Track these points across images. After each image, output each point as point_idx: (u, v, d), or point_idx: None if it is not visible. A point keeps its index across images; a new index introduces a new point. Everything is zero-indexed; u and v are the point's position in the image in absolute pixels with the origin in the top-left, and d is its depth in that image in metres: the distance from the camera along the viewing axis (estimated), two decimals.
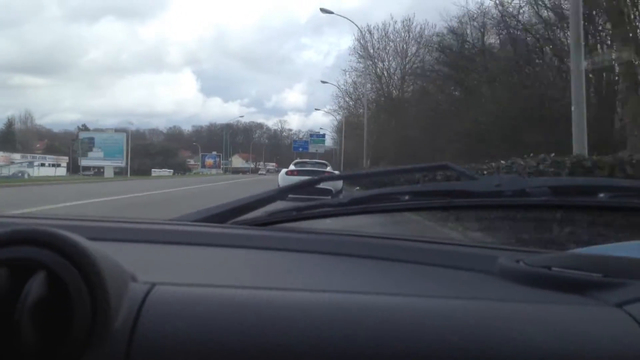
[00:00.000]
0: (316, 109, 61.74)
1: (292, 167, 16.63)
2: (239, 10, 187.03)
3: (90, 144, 61.79)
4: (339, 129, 63.23)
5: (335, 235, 0.90)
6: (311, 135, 73.57)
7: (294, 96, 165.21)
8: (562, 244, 3.37)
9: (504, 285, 0.65)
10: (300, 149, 74.10)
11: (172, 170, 71.46)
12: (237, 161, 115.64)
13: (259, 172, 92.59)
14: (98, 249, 0.46)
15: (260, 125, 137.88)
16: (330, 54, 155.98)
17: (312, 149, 72.65)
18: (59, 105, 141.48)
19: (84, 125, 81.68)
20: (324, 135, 74.10)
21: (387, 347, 0.47)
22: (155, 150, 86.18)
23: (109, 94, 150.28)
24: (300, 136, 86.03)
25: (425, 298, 0.55)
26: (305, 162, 18.55)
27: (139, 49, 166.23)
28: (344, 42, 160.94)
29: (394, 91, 38.04)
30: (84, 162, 61.59)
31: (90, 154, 61.14)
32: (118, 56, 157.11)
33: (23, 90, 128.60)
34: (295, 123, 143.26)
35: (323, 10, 31.39)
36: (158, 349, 0.46)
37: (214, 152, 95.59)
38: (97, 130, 72.62)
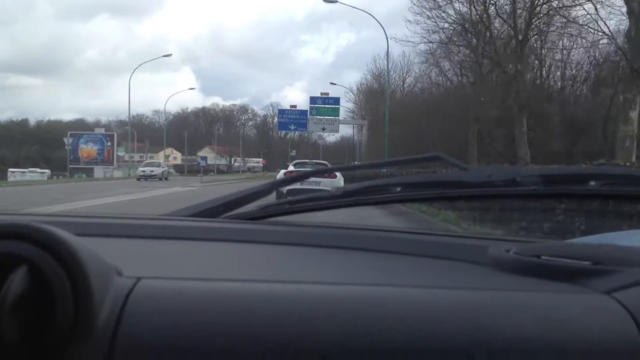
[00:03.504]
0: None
1: (291, 167, 16.16)
2: (236, 6, 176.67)
3: None
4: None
5: (327, 228, 0.90)
6: (312, 100, 37.05)
7: (295, 93, 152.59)
8: (553, 233, 4.42)
9: (494, 274, 0.65)
10: (293, 127, 37.04)
11: (45, 172, 36.89)
12: (207, 156, 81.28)
13: (143, 171, 38.23)
14: (81, 242, 0.46)
15: (244, 109, 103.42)
16: (329, 50, 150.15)
17: (313, 126, 35.41)
18: (56, 106, 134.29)
19: None
20: (337, 101, 37.21)
21: (380, 337, 0.47)
22: (26, 140, 50.52)
23: (107, 93, 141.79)
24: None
25: (416, 288, 0.55)
26: (305, 163, 17.91)
27: (136, 47, 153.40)
28: (343, 37, 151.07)
29: None
30: None
31: None
32: (114, 55, 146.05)
33: (19, 91, 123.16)
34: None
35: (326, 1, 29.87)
36: (143, 343, 0.45)
37: (99, 131, 54.67)
38: None
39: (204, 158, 52.90)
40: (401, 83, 42.24)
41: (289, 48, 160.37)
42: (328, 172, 9.18)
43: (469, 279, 0.66)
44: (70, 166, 49.14)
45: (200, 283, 0.52)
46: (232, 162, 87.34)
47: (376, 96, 43.02)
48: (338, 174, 12.46)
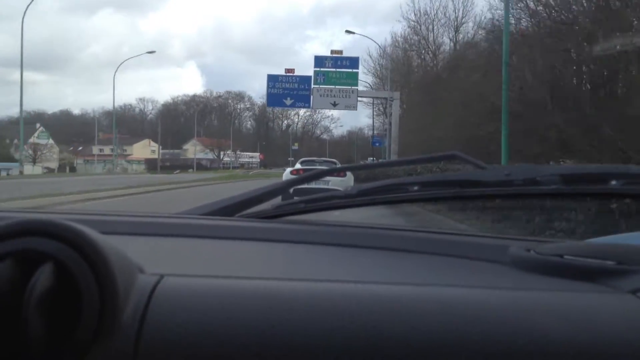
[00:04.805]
0: None
1: (298, 166, 15.00)
2: (240, 1, 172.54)
3: None
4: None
5: (344, 226, 0.89)
6: (318, 62, 23.44)
7: None
8: (573, 232, 4.32)
9: (516, 274, 0.65)
10: (289, 101, 23.08)
11: None
12: (194, 149, 69.66)
13: None
14: (105, 239, 0.46)
15: (240, 97, 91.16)
16: (333, 45, 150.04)
17: (319, 101, 19.98)
18: (61, 102, 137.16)
19: None
20: (355, 63, 23.47)
21: (400, 336, 0.46)
22: None
23: (110, 88, 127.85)
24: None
25: (437, 287, 0.55)
26: (313, 161, 16.27)
27: (140, 42, 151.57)
28: (347, 34, 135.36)
29: None
30: None
31: None
32: (119, 50, 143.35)
33: (25, 87, 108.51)
34: (303, 116, 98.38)
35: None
36: (167, 340, 0.45)
37: None
38: None
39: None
40: (453, 32, 30.01)
41: (294, 43, 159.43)
42: (340, 171, 8.26)
43: (491, 278, 0.65)
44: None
45: (222, 281, 0.52)
46: (222, 156, 75.22)
47: (411, 59, 30.67)
48: (348, 172, 11.37)
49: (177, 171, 43.72)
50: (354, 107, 26.58)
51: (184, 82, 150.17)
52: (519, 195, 0.96)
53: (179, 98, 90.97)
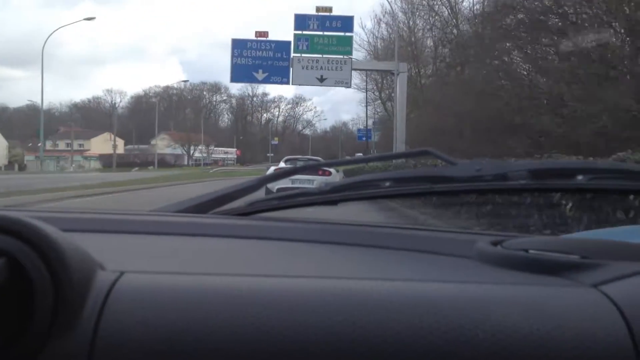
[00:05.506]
0: None
1: (282, 164, 14.19)
2: None
3: None
4: None
5: (315, 223, 0.89)
6: (299, 23, 15.23)
7: (283, 88, 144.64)
8: (543, 228, 4.29)
9: (482, 268, 0.66)
10: (261, 75, 14.55)
11: None
12: (162, 144, 62.97)
13: None
14: (64, 236, 0.45)
15: (216, 88, 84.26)
16: None
17: (300, 74, 10.21)
18: (36, 98, 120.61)
19: None
20: (348, 24, 15.15)
21: (366, 330, 0.47)
22: None
23: (92, 86, 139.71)
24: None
25: (403, 282, 0.56)
26: (298, 159, 15.23)
27: (120, 38, 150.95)
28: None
29: None
30: None
31: None
32: (98, 45, 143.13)
33: (1, 83, 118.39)
34: (284, 109, 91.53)
35: None
36: (124, 336, 0.44)
37: None
38: None
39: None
40: None
41: (278, 37, 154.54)
42: (319, 167, 6.00)
43: (456, 273, 0.66)
44: None
45: (184, 277, 0.51)
46: (192, 151, 68.49)
47: (419, 19, 24.37)
48: (333, 171, 10.79)
49: (136, 169, 37.05)
50: (347, 83, 20.37)
51: (164, 78, 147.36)
52: (488, 190, 0.98)
53: (151, 90, 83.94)
